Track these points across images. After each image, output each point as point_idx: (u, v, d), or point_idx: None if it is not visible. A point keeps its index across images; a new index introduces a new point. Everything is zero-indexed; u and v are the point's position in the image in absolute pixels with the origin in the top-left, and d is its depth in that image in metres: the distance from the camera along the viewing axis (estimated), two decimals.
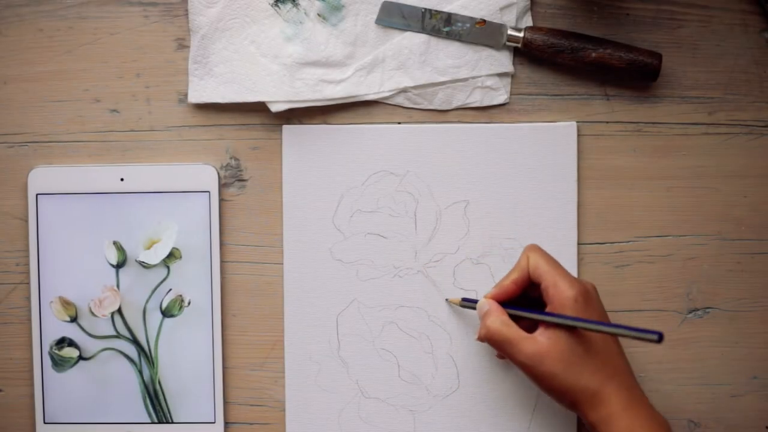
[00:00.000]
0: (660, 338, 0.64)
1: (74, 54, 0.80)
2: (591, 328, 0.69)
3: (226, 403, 0.80)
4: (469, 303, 0.77)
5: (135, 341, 0.79)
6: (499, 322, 0.72)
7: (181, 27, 0.80)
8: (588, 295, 0.71)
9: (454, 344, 0.80)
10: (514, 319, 0.72)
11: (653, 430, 0.69)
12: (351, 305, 0.80)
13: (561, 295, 0.71)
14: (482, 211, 0.80)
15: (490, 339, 0.72)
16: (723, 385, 0.81)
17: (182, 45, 0.80)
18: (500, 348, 0.72)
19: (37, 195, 0.79)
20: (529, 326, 0.72)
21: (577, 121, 0.80)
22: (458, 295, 0.80)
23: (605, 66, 0.78)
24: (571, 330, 0.70)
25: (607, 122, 0.80)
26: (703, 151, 0.80)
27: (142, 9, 0.79)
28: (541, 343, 0.70)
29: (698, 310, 0.81)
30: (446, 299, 0.79)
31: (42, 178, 0.79)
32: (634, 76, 0.78)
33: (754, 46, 0.80)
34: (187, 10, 0.79)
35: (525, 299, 0.75)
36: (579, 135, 0.80)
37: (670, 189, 0.80)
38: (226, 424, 0.80)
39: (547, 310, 0.71)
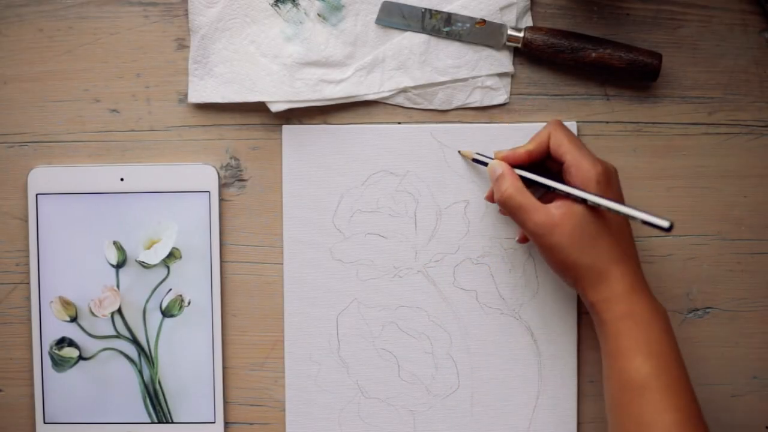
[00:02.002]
0: (670, 227, 0.65)
1: (74, 54, 0.80)
2: (604, 205, 0.69)
3: (226, 403, 0.80)
4: (480, 160, 0.77)
5: (135, 341, 0.79)
6: (514, 187, 0.72)
7: (181, 27, 0.80)
8: (609, 176, 0.72)
9: (454, 344, 0.80)
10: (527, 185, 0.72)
11: (652, 316, 0.69)
12: (351, 305, 0.80)
13: (584, 174, 0.71)
14: (482, 211, 0.80)
15: (503, 203, 0.72)
16: (723, 385, 0.81)
17: (182, 45, 0.80)
18: (512, 213, 0.72)
19: (37, 195, 0.79)
20: (543, 200, 0.72)
21: (577, 121, 0.80)
22: (459, 296, 0.79)
23: (605, 66, 0.78)
24: (586, 207, 0.70)
25: (607, 122, 0.80)
26: (703, 151, 0.80)
27: (142, 9, 0.79)
28: (554, 214, 0.70)
29: (698, 310, 0.81)
30: (458, 151, 0.79)
31: (42, 178, 0.79)
32: (634, 76, 0.78)
33: (754, 46, 0.80)
34: (187, 10, 0.79)
35: (541, 171, 0.74)
36: (579, 135, 0.80)
37: (670, 189, 0.80)
38: (226, 424, 0.80)
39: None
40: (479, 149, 0.79)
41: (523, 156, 0.74)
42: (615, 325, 0.69)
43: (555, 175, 0.74)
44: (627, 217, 0.68)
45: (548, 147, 0.74)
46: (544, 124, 0.79)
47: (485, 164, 0.76)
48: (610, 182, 0.71)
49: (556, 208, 0.71)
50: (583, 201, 0.70)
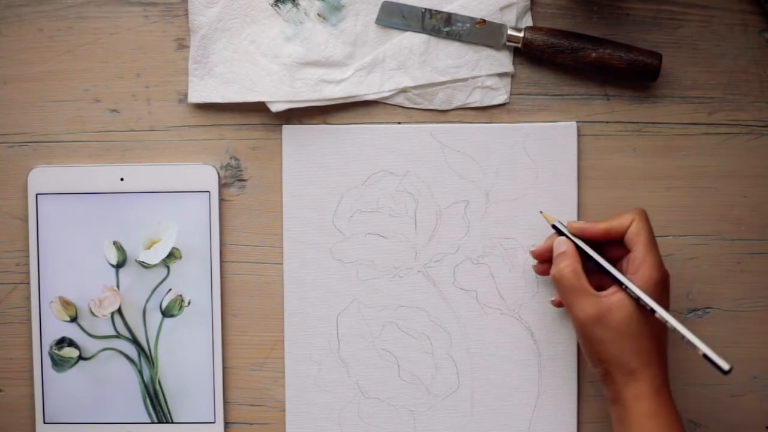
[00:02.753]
0: (729, 370, 0.65)
1: (74, 54, 0.80)
2: (667, 321, 0.69)
3: (226, 403, 0.80)
4: (560, 228, 0.75)
5: (135, 341, 0.79)
6: (571, 269, 0.72)
7: (181, 27, 0.80)
8: (666, 285, 0.72)
9: (454, 344, 0.80)
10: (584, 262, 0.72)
11: (674, 418, 0.70)
12: (351, 305, 0.80)
13: (647, 272, 0.70)
14: (482, 211, 0.80)
15: (557, 282, 0.72)
16: (723, 385, 0.81)
17: (182, 45, 0.80)
18: (564, 295, 0.72)
19: (37, 195, 0.79)
20: (595, 285, 0.72)
21: (577, 121, 0.80)
22: (459, 296, 0.79)
23: (605, 66, 0.78)
24: (637, 305, 0.70)
25: (607, 122, 0.80)
26: (703, 151, 0.80)
27: (142, 9, 0.79)
28: (604, 305, 0.70)
29: (698, 310, 0.81)
30: (540, 211, 0.78)
31: (42, 178, 0.79)
32: (634, 76, 0.78)
33: (754, 46, 0.80)
34: (187, 10, 0.79)
35: (596, 251, 0.74)
36: (579, 135, 0.80)
37: (670, 189, 0.80)
38: (226, 424, 0.80)
39: (628, 276, 0.71)
40: (479, 149, 0.79)
41: (599, 233, 0.73)
42: (643, 423, 0.70)
43: (611, 261, 0.73)
44: (688, 343, 0.68)
45: (626, 232, 0.73)
46: (544, 123, 0.79)
47: (558, 233, 0.75)
48: (665, 291, 0.72)
49: (608, 298, 0.70)
50: (637, 299, 0.70)
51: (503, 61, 0.79)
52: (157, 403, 0.79)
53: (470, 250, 0.80)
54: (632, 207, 0.74)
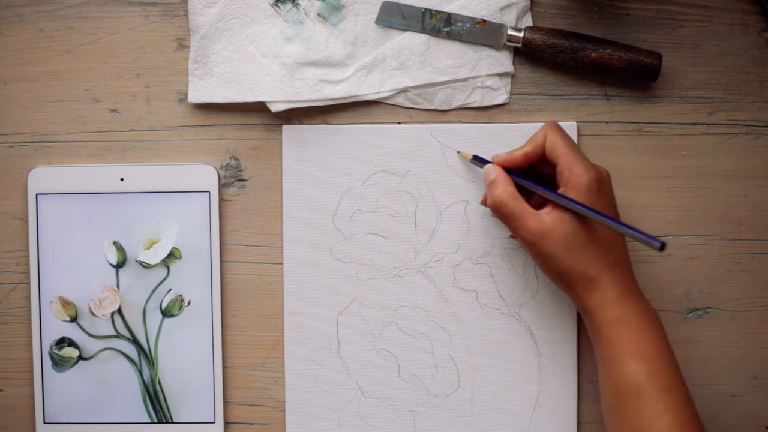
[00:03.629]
0: (662, 246, 0.64)
1: (74, 54, 0.80)
2: (598, 220, 0.69)
3: (226, 403, 0.80)
4: (478, 162, 0.76)
5: (135, 341, 0.79)
6: (507, 193, 0.72)
7: (181, 27, 0.80)
8: (602, 181, 0.71)
9: (454, 344, 0.80)
10: (521, 191, 0.72)
11: (645, 320, 0.70)
12: (351, 305, 0.80)
13: (576, 179, 0.70)
14: (482, 211, 0.80)
15: (496, 209, 0.72)
16: (723, 385, 0.81)
17: (182, 45, 0.80)
18: (504, 219, 0.72)
19: (37, 195, 0.79)
20: (536, 203, 0.72)
21: (577, 121, 0.80)
22: (459, 296, 0.79)
23: (605, 66, 0.78)
24: (576, 216, 0.70)
25: (607, 122, 0.80)
26: (703, 151, 0.80)
27: (142, 9, 0.79)
28: (546, 221, 0.70)
29: (698, 310, 0.81)
30: (457, 151, 0.79)
31: (42, 178, 0.79)
32: (634, 76, 0.78)
33: (754, 46, 0.80)
34: (187, 10, 0.79)
35: (534, 175, 0.75)
36: (579, 135, 0.80)
37: (670, 189, 0.80)
38: (226, 424, 0.80)
39: (560, 191, 0.71)
40: (479, 149, 0.79)
41: (520, 159, 0.74)
42: (608, 330, 0.70)
43: (549, 178, 0.74)
44: (624, 232, 0.68)
45: (544, 149, 0.73)
46: (544, 124, 0.79)
47: (480, 166, 0.76)
48: (602, 188, 0.71)
49: (547, 214, 0.70)
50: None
51: (503, 61, 0.79)
52: (157, 403, 0.79)
53: (470, 250, 0.80)
54: (545, 123, 0.74)
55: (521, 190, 0.73)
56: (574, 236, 0.70)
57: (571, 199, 0.70)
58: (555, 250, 0.70)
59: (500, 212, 0.72)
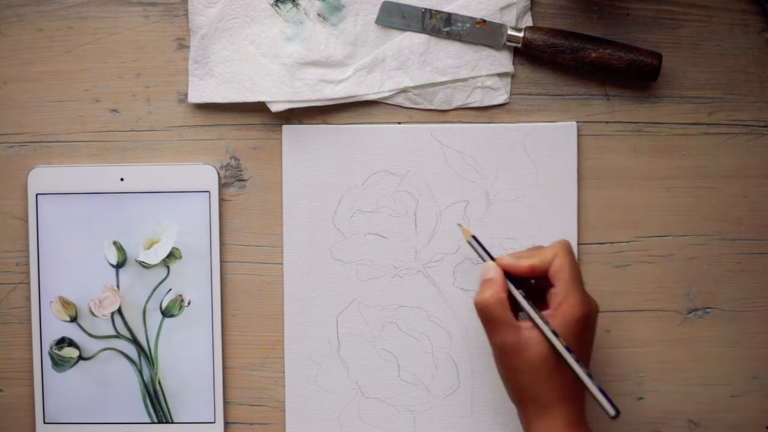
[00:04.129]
0: (616, 415, 0.66)
1: (74, 54, 0.80)
2: (571, 366, 0.68)
3: (226, 403, 0.80)
4: (477, 249, 0.74)
5: (135, 341, 0.79)
6: (496, 298, 0.70)
7: (181, 27, 0.80)
8: (589, 320, 0.71)
9: (454, 344, 0.80)
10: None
11: None
12: (351, 305, 0.80)
13: (567, 309, 0.70)
14: (482, 211, 0.80)
15: (480, 310, 0.71)
16: (723, 385, 0.81)
17: (182, 45, 0.80)
18: (484, 322, 0.71)
19: (37, 195, 0.79)
20: (519, 308, 0.72)
21: (577, 121, 0.80)
22: (459, 296, 0.79)
23: (605, 66, 0.78)
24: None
25: (607, 122, 0.80)
26: (703, 151, 0.80)
27: (142, 9, 0.79)
28: (522, 338, 0.69)
29: (698, 310, 0.81)
30: (458, 224, 0.78)
31: (42, 178, 0.79)
32: (634, 76, 0.78)
33: (754, 46, 0.80)
34: (187, 10, 0.79)
35: (525, 282, 0.73)
36: (579, 135, 0.80)
37: (670, 189, 0.80)
38: (226, 424, 0.80)
39: (547, 312, 0.71)
40: (479, 149, 0.79)
41: (524, 270, 0.72)
42: None
43: (537, 288, 0.73)
44: (581, 383, 0.68)
45: (549, 267, 0.71)
46: (544, 123, 0.79)
47: (481, 256, 0.74)
48: (587, 327, 0.70)
49: (527, 329, 0.70)
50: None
51: (503, 61, 0.79)
52: (157, 403, 0.79)
53: (470, 250, 0.80)
54: (557, 241, 0.72)
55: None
56: (543, 361, 0.69)
57: (554, 331, 0.69)
58: (522, 367, 0.69)
59: (483, 314, 0.71)
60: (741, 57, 0.80)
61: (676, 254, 0.80)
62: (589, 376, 0.68)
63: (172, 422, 0.80)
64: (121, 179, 0.79)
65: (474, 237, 0.75)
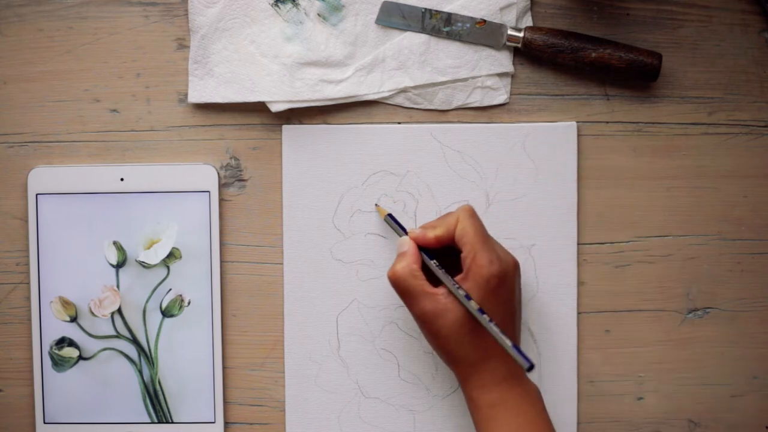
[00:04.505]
0: (530, 368, 0.66)
1: (74, 54, 0.80)
2: (481, 322, 0.69)
3: (226, 403, 0.80)
4: (393, 226, 0.76)
5: (135, 341, 0.79)
6: (409, 270, 0.72)
7: (181, 27, 0.80)
8: (504, 278, 0.71)
9: None
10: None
11: (524, 401, 0.71)
12: (351, 305, 0.80)
13: (476, 270, 0.71)
14: (482, 211, 0.80)
15: (393, 282, 0.72)
16: (723, 385, 0.81)
17: (182, 45, 0.80)
18: (401, 294, 0.72)
19: (37, 195, 0.79)
20: (437, 278, 0.72)
21: (577, 121, 0.80)
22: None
23: (605, 66, 0.78)
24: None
25: (607, 122, 0.80)
26: (703, 151, 0.80)
27: (142, 9, 0.79)
28: (439, 303, 0.71)
29: (698, 310, 0.81)
30: (375, 204, 0.79)
31: (42, 178, 0.79)
32: (634, 76, 0.78)
33: (754, 46, 0.80)
34: (187, 10, 0.79)
35: (448, 252, 0.74)
36: (579, 135, 0.80)
37: (670, 189, 0.80)
38: (226, 424, 0.80)
39: (460, 276, 0.71)
40: (479, 149, 0.79)
41: (431, 241, 0.73)
42: (487, 412, 0.71)
43: (455, 254, 0.74)
44: (494, 338, 0.69)
45: (454, 234, 0.73)
46: (544, 123, 0.79)
47: (397, 232, 0.76)
48: (502, 284, 0.71)
49: (442, 296, 0.71)
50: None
51: (503, 61, 0.79)
52: (157, 403, 0.79)
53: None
54: (460, 206, 0.74)
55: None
56: (463, 322, 0.70)
57: (464, 292, 0.70)
58: (443, 331, 0.71)
59: (397, 286, 0.72)
60: (741, 57, 0.80)
61: (676, 254, 0.80)
62: (502, 332, 0.68)
63: (172, 422, 0.80)
64: (121, 179, 0.79)
65: (389, 215, 0.77)
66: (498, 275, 0.71)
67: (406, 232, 0.75)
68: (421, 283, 0.72)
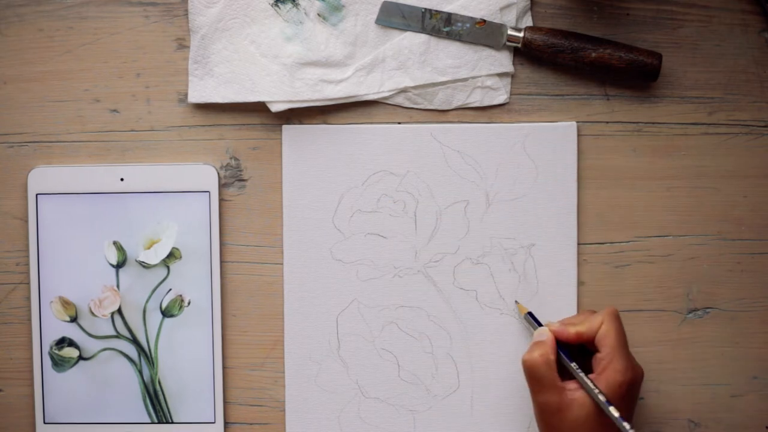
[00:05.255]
0: None
1: (74, 54, 0.80)
2: (617, 423, 0.69)
3: (226, 403, 0.80)
4: (531, 321, 0.78)
5: (135, 341, 0.79)
6: (545, 358, 0.73)
7: (181, 27, 0.80)
8: (634, 388, 0.73)
9: (454, 344, 0.80)
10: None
11: None
12: (351, 305, 0.80)
13: (612, 375, 0.72)
14: (482, 211, 0.80)
15: (528, 368, 0.73)
16: (723, 385, 0.81)
17: (182, 45, 0.80)
18: (530, 380, 0.73)
19: (37, 195, 0.79)
20: (567, 371, 0.73)
21: (577, 121, 0.80)
22: (459, 295, 0.79)
23: (605, 66, 0.78)
24: (596, 405, 0.71)
25: (607, 122, 0.80)
26: (703, 151, 0.80)
27: (142, 9, 0.79)
28: (565, 398, 0.72)
29: (698, 310, 0.81)
30: (516, 301, 0.79)
31: (42, 178, 0.79)
32: (634, 76, 0.78)
33: (754, 46, 0.80)
34: (187, 10, 0.79)
35: (574, 348, 0.76)
36: (579, 135, 0.80)
37: (670, 189, 0.80)
38: (226, 424, 0.80)
39: (592, 375, 0.72)
40: (479, 149, 0.79)
41: (571, 336, 0.74)
42: None
43: (584, 351, 0.75)
44: None
45: (596, 334, 0.74)
46: (544, 123, 0.79)
47: (533, 326, 0.77)
48: (631, 392, 0.72)
49: (572, 392, 0.72)
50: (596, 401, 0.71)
51: (503, 61, 0.79)
52: (157, 403, 0.79)
53: (470, 250, 0.80)
54: (606, 308, 0.75)
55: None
56: (584, 423, 0.71)
57: (602, 394, 0.71)
58: (564, 425, 0.71)
59: (530, 372, 0.73)
60: (741, 57, 0.80)
61: (676, 254, 0.80)
62: (632, 428, 0.69)
63: (172, 422, 0.80)
64: (121, 179, 0.79)
65: (529, 313, 0.78)
66: (630, 383, 0.72)
67: (541, 325, 0.76)
68: (554, 375, 0.72)
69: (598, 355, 0.73)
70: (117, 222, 0.79)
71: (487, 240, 0.80)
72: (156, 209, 0.79)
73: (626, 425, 0.69)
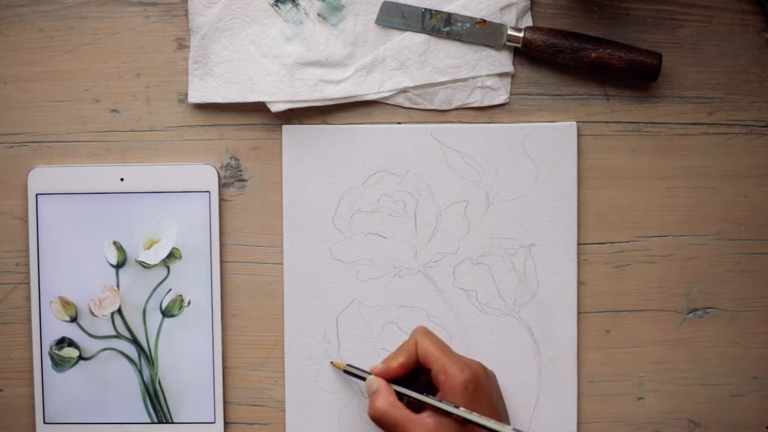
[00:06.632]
0: None
1: (74, 54, 0.80)
2: (475, 420, 0.70)
3: (226, 403, 0.80)
4: (355, 372, 0.77)
5: (135, 341, 0.79)
6: (388, 402, 0.73)
7: (181, 27, 0.80)
8: (478, 381, 0.72)
9: (454, 344, 0.80)
10: (401, 396, 0.73)
11: None
12: (351, 305, 0.80)
13: (451, 381, 0.72)
14: (482, 211, 0.80)
15: (377, 420, 0.73)
16: (723, 385, 0.81)
17: (182, 45, 0.80)
18: (388, 429, 0.73)
19: (37, 195, 0.79)
20: (417, 405, 0.73)
21: (577, 121, 0.80)
22: (459, 296, 0.79)
23: (605, 66, 0.78)
24: (452, 418, 0.71)
25: (607, 122, 0.80)
26: (703, 151, 0.80)
27: (142, 9, 0.79)
28: (428, 424, 0.71)
29: (698, 310, 0.81)
30: (331, 362, 0.79)
31: (42, 178, 0.79)
32: (634, 76, 0.78)
33: (754, 46, 0.80)
34: (187, 10, 0.79)
35: (415, 379, 0.76)
36: (579, 135, 0.80)
37: (670, 189, 0.80)
38: (226, 424, 0.80)
39: (438, 395, 0.72)
40: (479, 149, 0.79)
41: (396, 370, 0.74)
42: None
43: (426, 379, 0.75)
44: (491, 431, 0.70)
45: (417, 356, 0.74)
46: (544, 123, 0.79)
47: (361, 378, 0.77)
48: (479, 387, 0.72)
49: (428, 417, 0.72)
50: (449, 414, 0.71)
51: (503, 61, 0.79)
52: (157, 403, 0.79)
53: (470, 250, 0.80)
54: (414, 330, 0.76)
55: (401, 397, 0.74)
56: None
57: (446, 399, 0.71)
58: None
59: (383, 422, 0.73)
60: (741, 57, 0.80)
61: (676, 254, 0.80)
62: (498, 423, 0.69)
63: (172, 422, 0.80)
64: (121, 179, 0.79)
65: (349, 365, 0.78)
66: (473, 380, 0.72)
67: (368, 372, 0.76)
68: (406, 412, 0.72)
69: (432, 372, 0.73)
70: (117, 222, 0.79)
71: (487, 240, 0.80)
72: (156, 209, 0.79)
73: (484, 420, 0.69)
